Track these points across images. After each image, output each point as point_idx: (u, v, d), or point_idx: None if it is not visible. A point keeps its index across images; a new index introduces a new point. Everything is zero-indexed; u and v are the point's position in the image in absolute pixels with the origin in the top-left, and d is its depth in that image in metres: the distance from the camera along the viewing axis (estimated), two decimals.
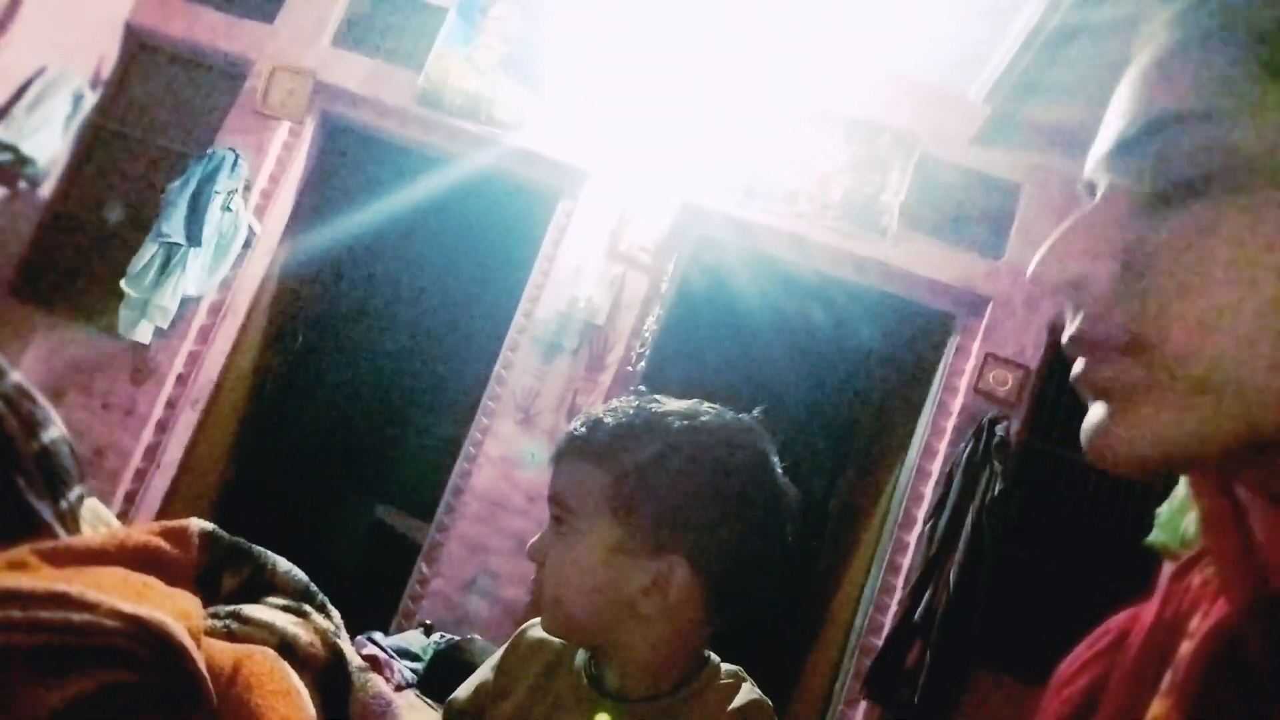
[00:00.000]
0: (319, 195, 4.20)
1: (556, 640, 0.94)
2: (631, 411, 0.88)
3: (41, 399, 1.59)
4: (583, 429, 0.89)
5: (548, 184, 3.87)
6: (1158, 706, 0.47)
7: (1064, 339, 0.47)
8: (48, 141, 3.73)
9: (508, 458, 3.65)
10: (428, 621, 3.26)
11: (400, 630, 3.28)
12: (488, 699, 0.95)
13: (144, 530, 1.18)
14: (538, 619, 0.95)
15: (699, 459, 0.84)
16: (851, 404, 3.99)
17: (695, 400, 0.91)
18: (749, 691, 0.89)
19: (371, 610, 3.57)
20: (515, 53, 3.87)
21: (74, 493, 1.43)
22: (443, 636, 2.86)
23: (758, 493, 0.86)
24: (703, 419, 0.87)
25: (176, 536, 1.14)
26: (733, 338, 3.98)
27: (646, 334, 3.73)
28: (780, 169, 3.73)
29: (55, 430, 1.52)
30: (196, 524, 1.18)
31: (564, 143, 3.82)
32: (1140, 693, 0.49)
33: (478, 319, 4.33)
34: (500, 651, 0.98)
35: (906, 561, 3.46)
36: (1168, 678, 0.47)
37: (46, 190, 3.97)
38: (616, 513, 0.84)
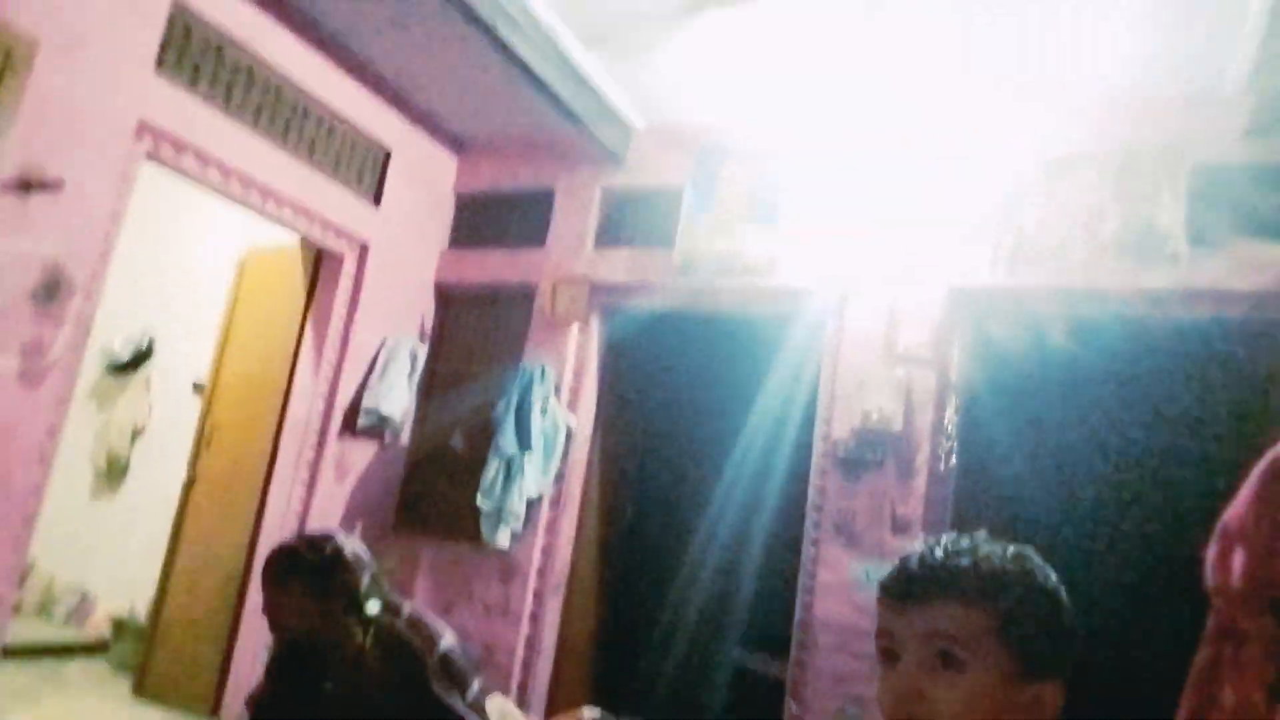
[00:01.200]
0: (615, 378, 4.63)
1: None
2: (984, 548, 0.97)
3: (432, 618, 1.95)
4: (948, 566, 0.95)
5: (811, 310, 4.02)
6: None
7: None
8: (399, 398, 4.47)
9: (843, 582, 3.68)
10: None
11: None
12: None
13: None
14: None
15: (1056, 591, 0.96)
16: (1199, 447, 3.63)
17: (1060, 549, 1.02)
18: None
19: None
20: (752, 202, 4.15)
21: (474, 686, 1.75)
22: None
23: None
24: (1028, 552, 0.99)
25: None
26: (1042, 408, 3.80)
27: (949, 428, 3.67)
28: (1039, 226, 3.63)
29: (448, 640, 1.88)
30: (587, 713, 1.40)
31: (818, 267, 3.98)
32: None
33: (780, 449, 4.49)
34: None
35: None
36: None
37: (405, 436, 4.72)
38: (1007, 647, 0.91)
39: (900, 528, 3.63)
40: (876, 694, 0.96)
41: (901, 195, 3.88)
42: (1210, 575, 0.67)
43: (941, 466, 3.64)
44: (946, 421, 3.67)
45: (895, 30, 3.43)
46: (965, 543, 0.98)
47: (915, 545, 1.01)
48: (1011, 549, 0.97)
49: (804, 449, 3.99)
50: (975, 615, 0.91)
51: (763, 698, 4.23)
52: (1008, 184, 3.71)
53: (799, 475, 4.08)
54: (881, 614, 0.97)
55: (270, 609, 1.85)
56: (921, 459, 3.64)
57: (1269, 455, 0.64)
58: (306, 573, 1.83)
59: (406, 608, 1.93)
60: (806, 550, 3.82)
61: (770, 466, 4.56)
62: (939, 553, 0.97)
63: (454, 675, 1.75)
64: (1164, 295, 3.43)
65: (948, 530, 3.62)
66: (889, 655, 0.95)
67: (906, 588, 0.95)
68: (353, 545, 1.93)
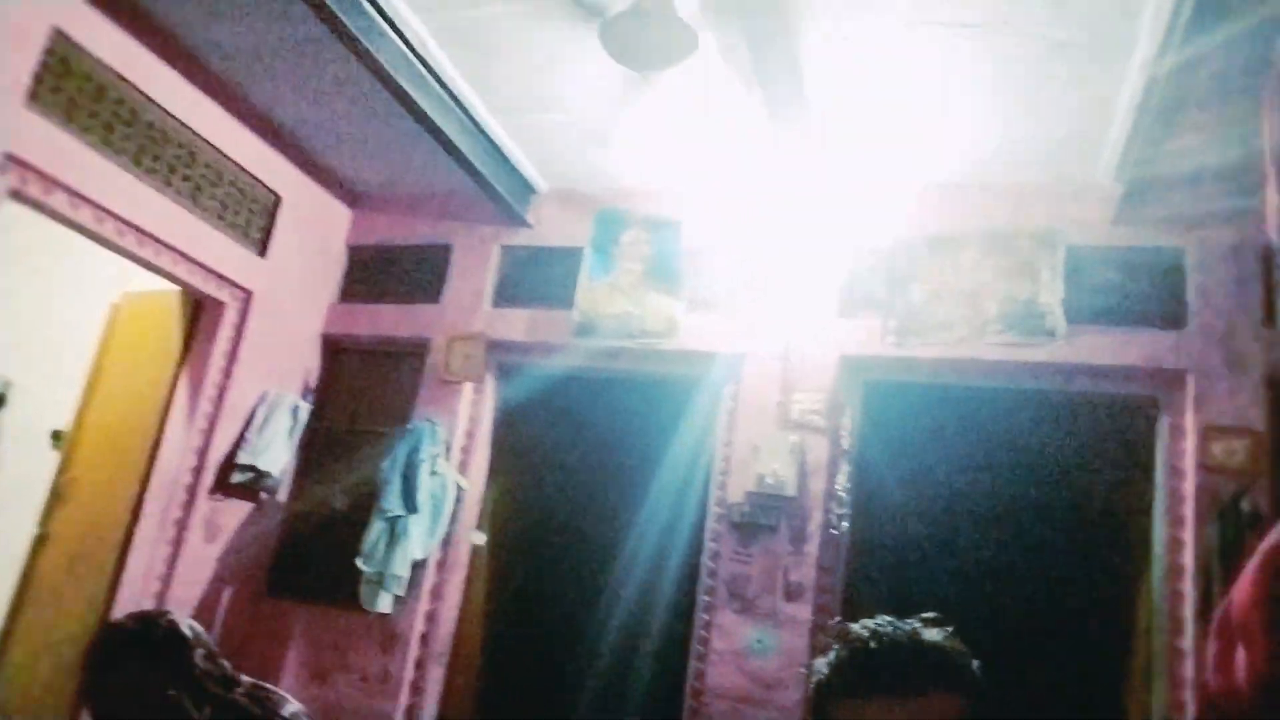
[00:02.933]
0: (509, 439, 4.53)
1: None
2: (932, 634, 0.96)
3: (273, 688, 1.87)
4: (931, 655, 0.93)
5: (708, 375, 4.05)
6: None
7: None
8: (278, 454, 4.26)
9: (736, 649, 3.65)
10: None
11: None
12: None
13: None
14: None
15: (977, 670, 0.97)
16: (1078, 514, 3.78)
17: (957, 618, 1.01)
18: None
19: None
20: (651, 267, 4.18)
21: None
22: None
23: None
24: (948, 629, 0.99)
25: None
26: (930, 476, 3.90)
27: (841, 493, 3.72)
28: (926, 300, 3.76)
29: (291, 707, 1.78)
30: None
31: (714, 334, 4.02)
32: None
33: (676, 515, 4.46)
34: None
35: (1188, 671, 3.15)
36: None
37: (282, 495, 4.49)
38: None
39: (794, 594, 3.63)
40: None
41: (797, 265, 3.98)
42: (1211, 677, 0.65)
43: (834, 531, 3.67)
44: (838, 487, 3.72)
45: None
46: (908, 627, 0.96)
47: (854, 631, 0.98)
48: (948, 629, 0.97)
49: (700, 513, 3.98)
50: (949, 704, 0.91)
51: None
52: (897, 259, 3.85)
53: (692, 540, 4.06)
54: (845, 709, 0.93)
55: (95, 694, 1.75)
56: (814, 524, 3.67)
57: (1267, 545, 0.61)
58: (139, 650, 1.73)
59: (245, 680, 1.88)
60: (699, 617, 3.78)
61: (667, 531, 4.52)
62: (898, 639, 0.94)
63: None
64: (1043, 368, 3.60)
65: (839, 597, 3.65)
66: None
67: (886, 679, 0.92)
68: (188, 621, 1.88)
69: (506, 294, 4.49)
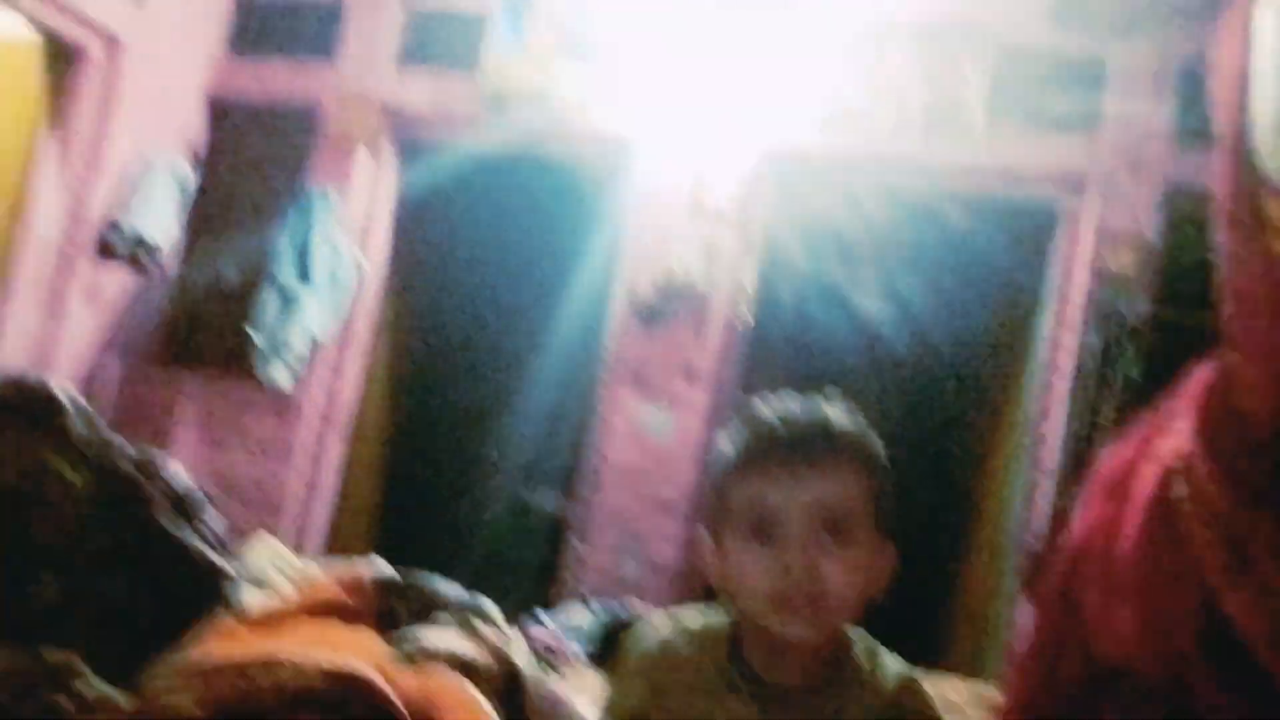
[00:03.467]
0: (410, 215, 4.37)
1: (695, 644, 0.96)
2: (839, 411, 0.92)
3: (153, 450, 1.82)
4: (831, 428, 0.89)
5: (618, 160, 3.91)
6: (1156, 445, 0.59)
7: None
8: (163, 222, 4.00)
9: (634, 427, 3.77)
10: (584, 594, 3.43)
11: (561, 602, 3.47)
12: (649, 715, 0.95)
13: (326, 586, 1.33)
14: (655, 626, 1.00)
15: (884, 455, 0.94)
16: (971, 314, 3.92)
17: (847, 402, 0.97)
18: (890, 662, 0.94)
19: (533, 586, 3.80)
20: (565, 37, 3.91)
21: (209, 514, 1.64)
22: (605, 610, 3.02)
23: None
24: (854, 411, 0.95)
25: (354, 588, 1.29)
26: (836, 273, 3.96)
27: (746, 286, 3.75)
28: (852, 94, 3.65)
29: (172, 467, 1.76)
30: (367, 574, 1.33)
31: (632, 115, 3.85)
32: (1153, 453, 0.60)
33: (579, 299, 4.45)
34: (645, 669, 0.98)
35: (1054, 458, 3.39)
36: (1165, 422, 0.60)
37: (171, 266, 4.27)
38: (874, 512, 0.90)
39: (692, 378, 3.72)
40: (738, 573, 0.89)
41: (722, 50, 3.76)
42: (1095, 635, 0.61)
43: (737, 322, 3.73)
44: (745, 280, 3.74)
45: None
46: (814, 404, 0.92)
47: (759, 409, 0.93)
48: (850, 408, 0.94)
49: (605, 298, 3.97)
50: (860, 482, 0.89)
51: (549, 535, 4.36)
52: (826, 51, 3.69)
53: (599, 325, 4.08)
54: (750, 486, 0.89)
55: None
56: (718, 314, 3.72)
57: (1150, 490, 0.56)
58: (10, 416, 1.65)
59: (123, 444, 1.82)
60: (600, 395, 3.87)
61: (571, 314, 4.53)
62: (804, 416, 0.91)
63: (181, 504, 1.62)
64: (960, 168, 3.60)
65: (737, 384, 3.77)
66: (760, 530, 0.88)
67: (790, 452, 0.88)
68: (62, 384, 1.78)
69: (407, 56, 4.16)
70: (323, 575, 1.38)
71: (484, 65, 3.95)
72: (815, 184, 3.80)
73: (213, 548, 1.52)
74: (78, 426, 1.70)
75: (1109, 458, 0.68)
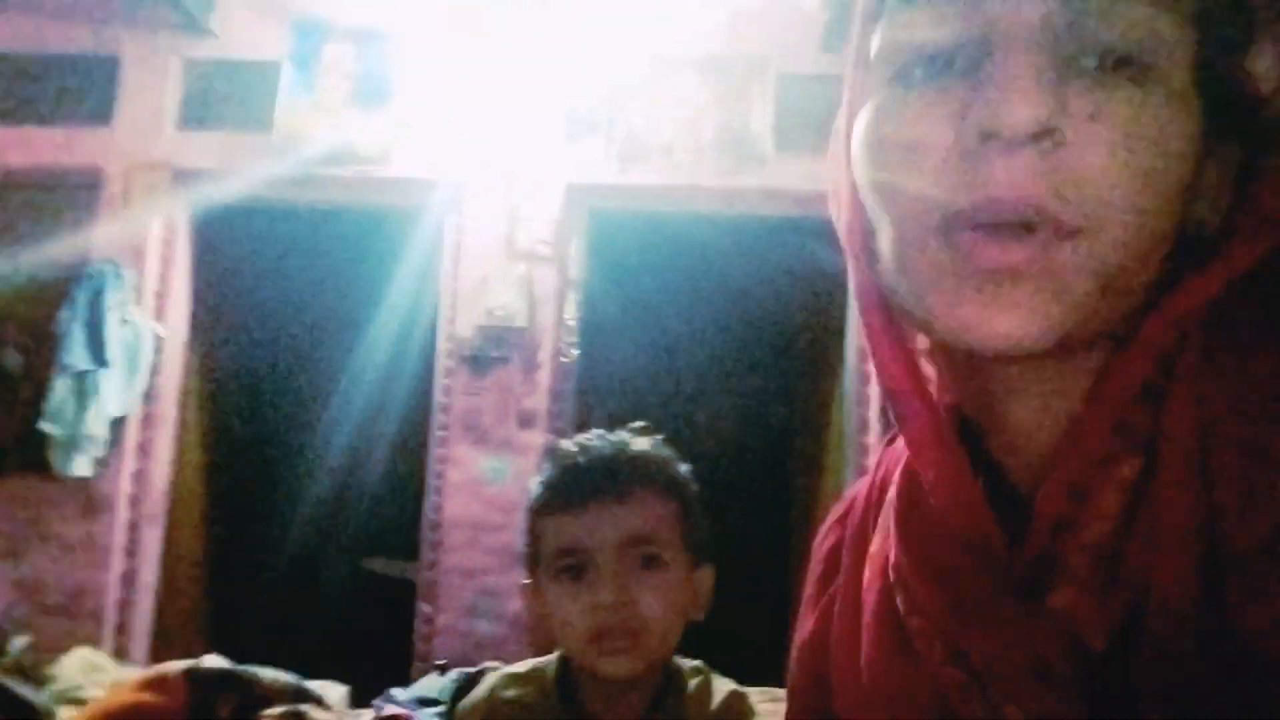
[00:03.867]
0: (211, 281, 4.14)
1: (528, 695, 0.95)
2: (640, 440, 0.94)
3: None
4: (632, 460, 0.90)
5: (429, 206, 3.86)
6: (874, 544, 0.58)
7: (981, 198, 0.43)
8: None
9: (473, 479, 3.69)
10: (441, 661, 3.30)
11: (420, 674, 3.33)
12: None
13: (128, 689, 1.22)
14: (487, 682, 0.98)
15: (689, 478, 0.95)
16: (783, 333, 4.09)
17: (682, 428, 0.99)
18: (721, 684, 0.95)
19: (390, 662, 3.62)
20: (360, 86, 3.84)
21: (18, 643, 1.47)
22: (459, 672, 2.91)
23: None
24: (658, 438, 0.97)
25: (160, 686, 1.19)
26: (653, 302, 4.04)
27: (570, 322, 3.77)
28: (648, 126, 3.76)
29: None
30: (173, 667, 1.23)
31: (434, 160, 3.81)
32: (864, 542, 0.59)
33: (401, 350, 4.34)
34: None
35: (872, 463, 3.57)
36: (880, 521, 0.58)
37: None
38: (684, 536, 0.90)
39: (527, 422, 3.69)
40: (556, 613, 0.89)
41: (518, 88, 3.79)
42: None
43: (564, 359, 3.74)
44: (567, 316, 3.76)
45: None
46: (617, 438, 0.94)
47: (563, 447, 0.95)
48: (658, 439, 0.96)
49: (428, 349, 3.89)
50: (666, 507, 0.90)
51: (394, 602, 4.18)
52: (617, 82, 3.78)
53: (423, 376, 3.99)
54: (558, 525, 0.90)
55: None
56: (545, 354, 3.71)
57: (877, 605, 0.56)
58: None
59: None
60: (434, 451, 3.77)
61: (392, 368, 4.40)
62: (605, 450, 0.92)
63: None
64: (754, 194, 3.75)
65: (571, 422, 3.77)
66: (573, 569, 0.88)
67: (594, 487, 0.89)
68: None
69: (194, 115, 3.97)
70: (128, 680, 1.26)
71: (275, 118, 3.81)
72: (622, 216, 3.87)
73: (20, 678, 1.36)
74: None
75: (822, 547, 0.68)
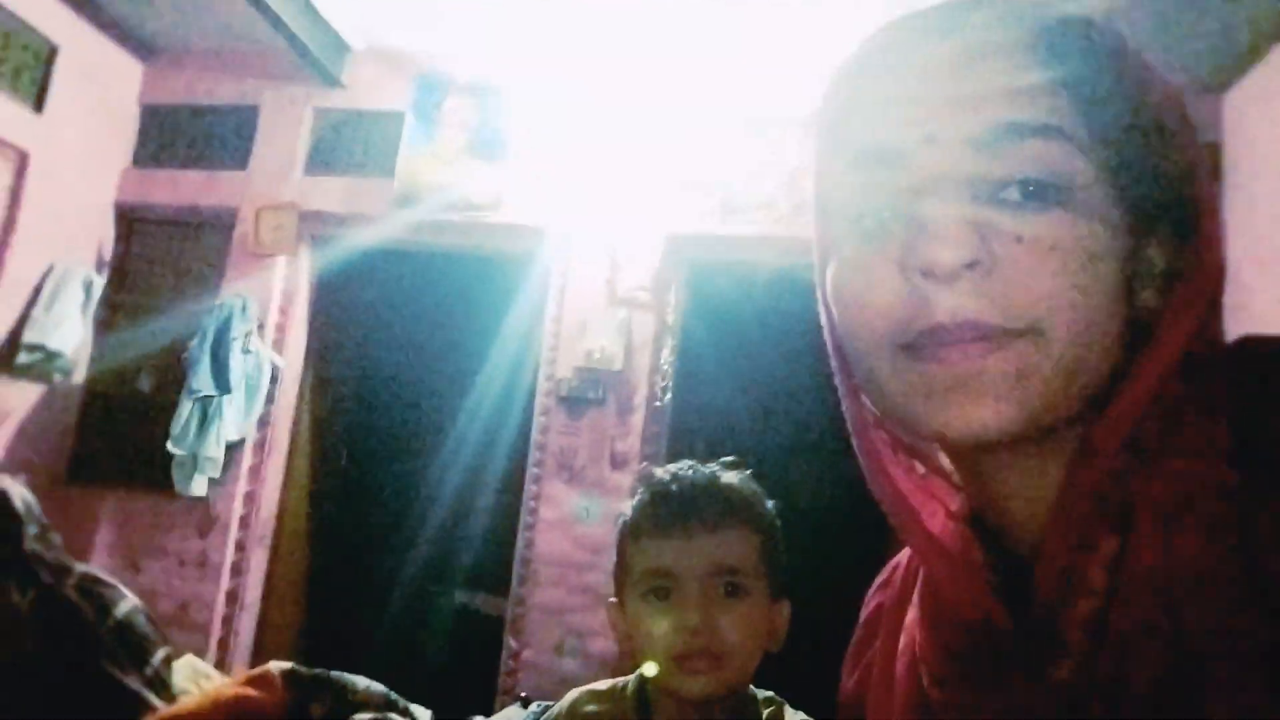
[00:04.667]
0: (328, 316, 4.36)
1: (606, 712, 0.99)
2: (730, 474, 0.97)
3: (109, 579, 1.68)
4: (721, 493, 0.94)
5: (535, 249, 4.00)
6: (909, 614, 0.64)
7: (929, 325, 0.49)
8: (70, 333, 3.93)
9: (564, 518, 3.75)
10: (523, 694, 3.34)
11: (502, 707, 3.37)
12: None
13: (232, 684, 1.30)
14: (567, 698, 1.02)
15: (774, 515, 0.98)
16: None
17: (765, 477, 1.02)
18: (794, 716, 0.97)
19: (473, 693, 3.67)
20: (476, 137, 4.02)
21: (158, 656, 1.54)
22: (540, 704, 2.94)
23: None
24: (746, 473, 1.01)
25: (261, 683, 1.26)
26: (748, 351, 4.06)
27: (665, 367, 3.82)
28: (750, 180, 3.82)
29: (127, 604, 1.63)
30: (275, 667, 1.30)
31: (542, 208, 3.95)
32: (902, 609, 0.66)
33: (503, 390, 4.47)
34: None
35: None
36: (915, 594, 0.63)
37: (79, 377, 4.17)
38: (767, 569, 0.94)
39: (619, 463, 3.74)
40: (640, 633, 0.92)
41: (626, 141, 3.92)
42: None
43: (658, 404, 3.79)
44: (663, 361, 3.81)
45: None
46: (708, 470, 0.97)
47: (657, 475, 0.98)
48: (746, 474, 0.99)
49: (527, 389, 4.00)
50: (751, 540, 0.93)
51: (485, 636, 4.24)
52: (721, 139, 3.87)
53: (522, 415, 4.09)
54: (648, 548, 0.93)
55: None
56: (639, 397, 3.77)
57: (906, 685, 0.64)
58: None
59: (78, 569, 1.66)
60: (528, 488, 3.85)
61: (493, 407, 4.53)
62: (697, 480, 0.95)
63: (131, 647, 1.51)
64: None
65: (663, 464, 3.80)
66: (660, 591, 0.92)
67: (685, 515, 0.92)
68: (20, 490, 1.63)
69: (321, 161, 4.23)
70: (234, 676, 1.34)
71: (397, 166, 4.03)
72: (720, 265, 3.92)
73: (156, 692, 1.43)
74: (32, 541, 1.57)
75: (866, 609, 0.74)
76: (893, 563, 0.73)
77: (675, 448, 3.87)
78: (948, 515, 0.60)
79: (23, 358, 3.82)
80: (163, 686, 1.41)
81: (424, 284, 4.32)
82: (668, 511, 0.93)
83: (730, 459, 1.02)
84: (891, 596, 0.69)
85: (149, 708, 1.39)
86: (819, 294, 0.60)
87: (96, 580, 1.63)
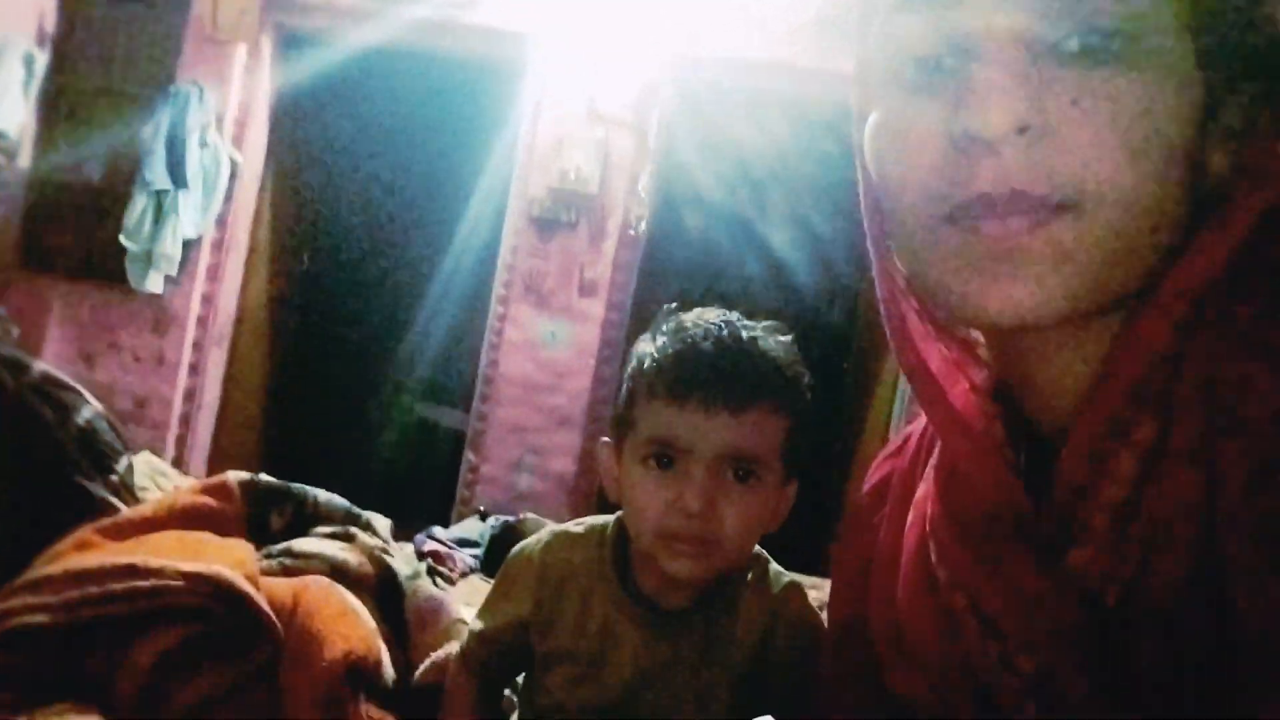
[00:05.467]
0: (291, 112, 4.13)
1: (582, 559, 0.93)
2: (770, 345, 0.84)
3: (70, 382, 1.61)
4: (757, 367, 0.82)
5: (514, 58, 3.77)
6: (920, 489, 0.62)
7: (973, 194, 0.46)
8: (11, 110, 3.68)
9: (529, 340, 3.73)
10: (481, 508, 3.42)
11: (461, 519, 3.45)
12: (533, 630, 0.93)
13: (188, 491, 1.27)
14: (542, 537, 0.98)
15: (810, 388, 0.87)
16: (860, 234, 3.98)
17: (746, 317, 0.88)
18: (778, 574, 0.93)
19: (431, 504, 3.76)
20: None
21: (122, 463, 1.50)
22: (498, 519, 3.01)
23: None
24: (788, 338, 0.88)
25: (219, 491, 1.23)
26: (731, 181, 3.93)
27: (642, 194, 3.70)
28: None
29: (90, 409, 1.57)
30: (233, 476, 1.26)
31: (524, 12, 3.70)
32: (913, 482, 0.65)
33: (474, 205, 4.33)
34: (530, 580, 0.94)
35: None
36: (928, 468, 0.62)
37: (25, 159, 3.95)
38: (785, 454, 0.84)
39: (588, 290, 3.69)
40: (632, 494, 0.85)
41: None
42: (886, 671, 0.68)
43: (632, 231, 3.69)
44: (640, 186, 3.69)
45: None
46: (746, 332, 0.84)
47: (685, 324, 0.85)
48: (788, 339, 0.87)
49: (498, 207, 3.87)
50: (779, 424, 0.83)
51: (444, 449, 4.30)
52: None
53: (491, 233, 3.98)
54: (660, 411, 0.82)
55: None
56: (613, 223, 3.67)
57: (914, 556, 0.62)
58: None
59: (36, 367, 1.58)
60: (494, 308, 3.80)
61: (462, 222, 4.40)
62: (731, 345, 0.83)
63: (94, 455, 1.45)
64: (849, 79, 3.58)
65: (632, 296, 3.75)
66: (662, 459, 0.83)
67: (709, 389, 0.80)
68: None
69: None
70: (190, 484, 1.31)
71: None
72: (713, 92, 3.74)
73: (121, 500, 1.38)
74: None
75: (874, 476, 0.73)
76: (905, 431, 0.70)
77: (647, 279, 3.82)
78: (971, 389, 0.57)
79: None
80: (129, 494, 1.36)
81: (394, 85, 4.08)
82: (690, 377, 0.81)
83: (772, 322, 0.88)
84: (902, 466, 0.67)
85: (114, 512, 1.35)
86: (855, 146, 0.57)
87: (56, 382, 1.55)
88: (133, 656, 0.89)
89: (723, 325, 0.85)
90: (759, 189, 3.91)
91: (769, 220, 4.18)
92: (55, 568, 1.00)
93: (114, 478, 1.43)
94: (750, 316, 0.88)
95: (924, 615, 0.58)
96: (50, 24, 3.95)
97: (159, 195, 3.67)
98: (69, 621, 0.89)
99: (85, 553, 1.04)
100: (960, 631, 0.53)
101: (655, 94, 3.68)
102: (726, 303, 0.91)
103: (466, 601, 1.39)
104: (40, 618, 0.90)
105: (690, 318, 0.87)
